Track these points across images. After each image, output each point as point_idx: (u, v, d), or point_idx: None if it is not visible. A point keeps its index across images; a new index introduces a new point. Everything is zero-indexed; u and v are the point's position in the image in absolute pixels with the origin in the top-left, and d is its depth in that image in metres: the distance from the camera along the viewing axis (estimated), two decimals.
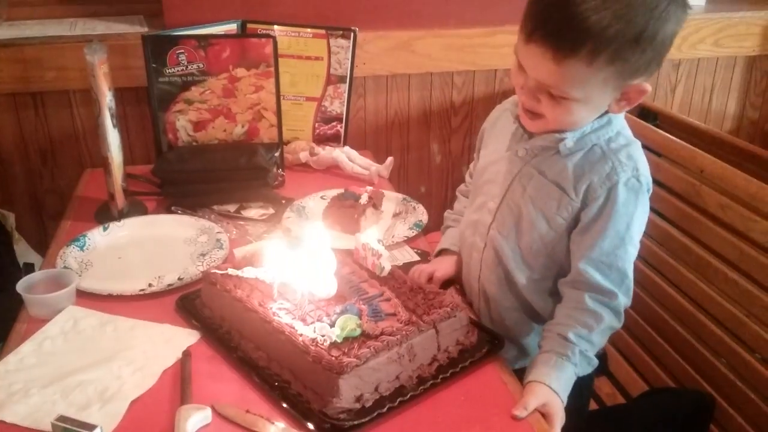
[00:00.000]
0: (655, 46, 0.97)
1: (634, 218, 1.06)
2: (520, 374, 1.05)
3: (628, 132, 1.12)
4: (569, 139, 1.07)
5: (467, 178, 1.40)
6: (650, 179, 1.09)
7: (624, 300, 1.09)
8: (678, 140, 1.46)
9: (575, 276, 1.09)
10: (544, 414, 0.96)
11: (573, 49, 0.95)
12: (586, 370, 1.06)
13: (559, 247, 1.12)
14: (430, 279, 1.24)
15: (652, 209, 1.47)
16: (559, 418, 0.97)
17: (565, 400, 1.00)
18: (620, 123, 1.10)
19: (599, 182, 1.06)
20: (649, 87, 1.02)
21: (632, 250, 1.08)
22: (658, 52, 0.98)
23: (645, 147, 1.49)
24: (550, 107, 1.03)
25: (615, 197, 1.05)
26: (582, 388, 1.23)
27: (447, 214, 1.40)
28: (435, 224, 1.48)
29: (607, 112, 1.07)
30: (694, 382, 1.38)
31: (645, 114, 1.77)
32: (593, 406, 1.53)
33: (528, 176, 1.13)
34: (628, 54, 0.96)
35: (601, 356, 1.51)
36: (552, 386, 0.99)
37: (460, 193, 1.41)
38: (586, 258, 1.07)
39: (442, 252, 1.32)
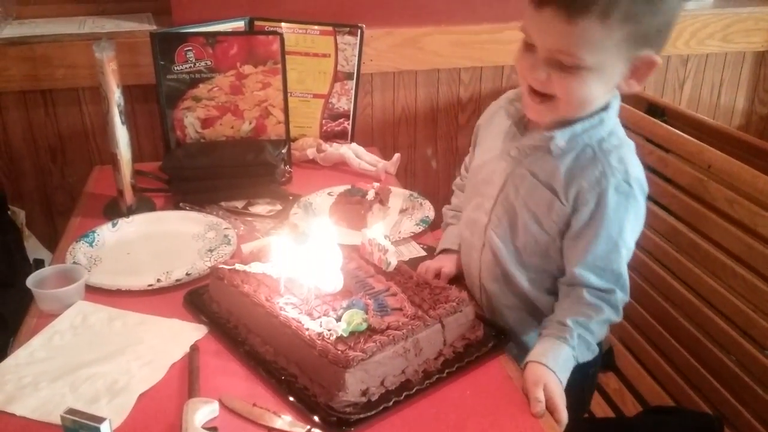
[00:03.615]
0: (665, 9, 0.97)
1: (625, 222, 1.05)
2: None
3: (621, 132, 1.10)
4: (559, 138, 1.06)
5: (462, 171, 1.39)
6: (643, 182, 1.07)
7: (621, 296, 1.09)
8: (685, 135, 1.45)
9: (571, 279, 1.09)
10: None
11: (586, 5, 0.94)
12: (585, 355, 1.05)
13: (552, 249, 1.11)
14: (437, 275, 1.23)
15: (660, 205, 1.47)
16: (560, 398, 0.96)
17: (564, 380, 1.00)
18: (612, 122, 1.08)
19: (589, 187, 1.05)
20: (659, 60, 1.00)
21: (626, 253, 1.07)
22: (668, 18, 0.98)
23: (652, 142, 1.51)
24: (562, 81, 1.00)
25: (605, 203, 1.04)
26: (584, 383, 1.23)
27: (445, 210, 1.39)
28: (441, 221, 1.48)
29: (603, 109, 1.06)
30: (702, 379, 1.37)
31: (653, 110, 1.76)
32: (600, 401, 1.53)
33: (521, 177, 1.12)
34: (641, 14, 0.95)
35: (608, 351, 1.50)
36: (548, 365, 0.99)
37: (456, 188, 1.40)
38: (580, 263, 1.07)
39: (445, 251, 1.30)
